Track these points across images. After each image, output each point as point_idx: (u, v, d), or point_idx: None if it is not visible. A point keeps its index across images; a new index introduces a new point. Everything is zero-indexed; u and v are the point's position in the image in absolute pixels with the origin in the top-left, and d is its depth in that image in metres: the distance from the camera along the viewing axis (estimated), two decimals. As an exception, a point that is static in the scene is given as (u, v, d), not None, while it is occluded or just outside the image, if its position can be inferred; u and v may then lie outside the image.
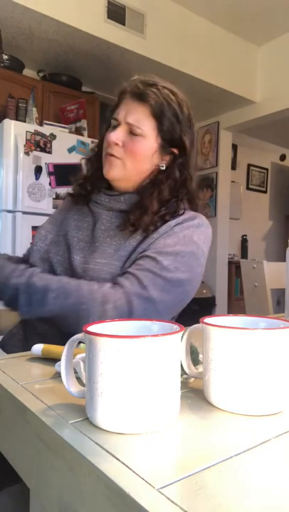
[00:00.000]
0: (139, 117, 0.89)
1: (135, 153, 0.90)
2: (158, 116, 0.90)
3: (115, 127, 0.91)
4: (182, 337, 0.52)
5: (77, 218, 0.98)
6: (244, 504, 0.30)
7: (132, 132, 0.90)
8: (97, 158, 0.98)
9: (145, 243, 0.86)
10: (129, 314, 0.77)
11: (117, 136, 0.90)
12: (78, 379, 0.49)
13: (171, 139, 0.93)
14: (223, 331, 0.47)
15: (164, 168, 0.94)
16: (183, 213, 0.90)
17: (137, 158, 0.91)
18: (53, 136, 2.83)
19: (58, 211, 1.07)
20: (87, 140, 3.03)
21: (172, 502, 0.30)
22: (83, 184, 1.00)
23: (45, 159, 2.77)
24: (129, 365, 0.40)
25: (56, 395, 0.51)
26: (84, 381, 0.46)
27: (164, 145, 0.92)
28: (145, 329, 0.51)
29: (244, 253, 5.27)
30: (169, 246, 0.84)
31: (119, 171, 0.91)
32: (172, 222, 0.88)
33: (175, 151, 0.94)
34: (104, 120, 1.02)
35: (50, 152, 2.80)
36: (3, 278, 0.84)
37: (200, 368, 0.55)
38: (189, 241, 0.85)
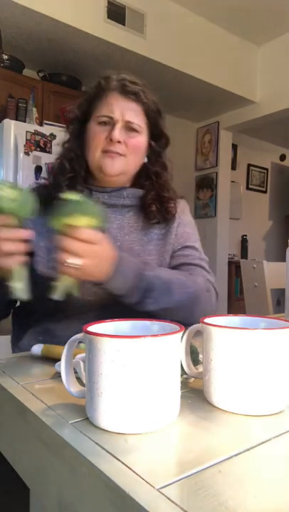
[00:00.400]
0: (135, 115, 0.93)
1: (136, 149, 0.95)
2: (148, 113, 0.96)
3: (106, 124, 0.92)
4: (182, 337, 0.52)
5: None
6: (244, 504, 0.30)
7: (129, 129, 0.93)
8: (80, 155, 0.96)
9: (170, 235, 0.98)
10: (215, 298, 0.95)
11: (120, 134, 0.91)
12: (78, 379, 0.49)
13: (155, 133, 1.00)
14: (223, 331, 0.47)
15: (147, 160, 1.01)
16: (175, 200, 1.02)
17: (137, 153, 0.96)
18: (53, 136, 2.84)
19: None
20: (87, 140, 3.03)
21: (172, 502, 0.30)
22: (73, 185, 0.95)
23: (45, 159, 2.77)
24: (129, 365, 0.40)
25: (56, 395, 0.51)
26: (84, 381, 0.46)
27: (148, 139, 0.99)
28: (145, 329, 0.51)
29: (244, 253, 5.27)
30: (192, 234, 1.04)
31: (123, 166, 0.93)
32: (174, 210, 1.00)
33: (153, 143, 1.00)
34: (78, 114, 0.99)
35: (50, 152, 2.80)
36: (137, 270, 0.80)
37: (200, 368, 0.55)
38: (193, 225, 1.09)
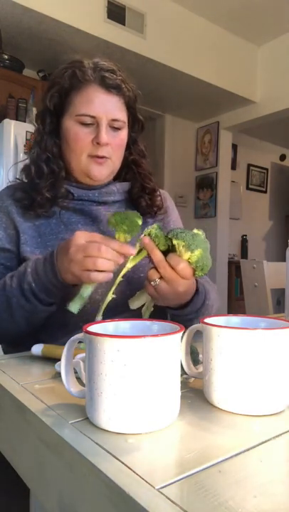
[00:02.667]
0: (119, 111, 0.87)
1: (121, 147, 0.91)
2: (129, 104, 0.91)
3: (88, 124, 0.85)
4: (182, 337, 0.52)
5: (58, 226, 0.90)
6: (244, 504, 0.30)
7: (112, 127, 0.87)
8: (56, 155, 0.90)
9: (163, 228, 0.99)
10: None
11: (107, 136, 0.86)
12: (78, 379, 0.49)
13: (134, 122, 0.95)
14: (223, 331, 0.47)
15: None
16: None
17: (121, 150, 0.92)
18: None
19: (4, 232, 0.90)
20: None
21: (172, 502, 0.30)
22: (55, 188, 0.88)
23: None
24: (129, 365, 0.40)
25: (56, 395, 0.51)
26: (84, 381, 0.46)
27: (129, 130, 0.94)
28: (145, 329, 0.51)
29: (244, 253, 5.27)
30: (178, 219, 1.06)
31: (110, 169, 0.90)
32: (161, 203, 1.00)
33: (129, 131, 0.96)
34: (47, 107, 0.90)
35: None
36: (203, 299, 0.80)
37: (200, 368, 0.55)
38: (178, 214, 1.08)
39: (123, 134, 0.90)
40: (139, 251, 0.69)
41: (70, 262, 0.67)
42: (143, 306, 0.73)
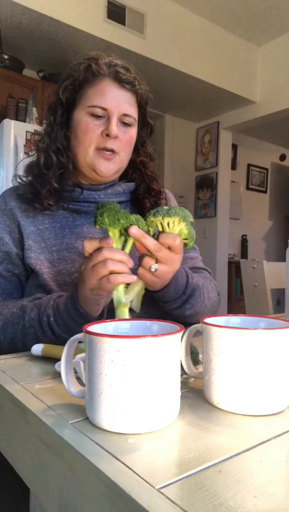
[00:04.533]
0: (130, 107, 0.87)
1: (129, 144, 0.89)
2: (141, 103, 0.91)
3: (99, 116, 0.84)
4: (182, 337, 0.52)
5: (62, 230, 0.88)
6: (244, 504, 0.30)
7: (123, 123, 0.87)
8: (66, 147, 0.88)
9: None
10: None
11: (118, 130, 0.85)
12: (78, 379, 0.49)
13: (142, 122, 0.95)
14: (223, 331, 0.47)
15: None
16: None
17: (130, 148, 0.90)
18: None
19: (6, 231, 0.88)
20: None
21: (172, 502, 0.30)
22: (62, 181, 0.88)
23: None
24: (129, 365, 0.40)
25: (56, 395, 0.51)
26: (84, 381, 0.46)
27: (138, 130, 0.93)
28: (145, 329, 0.51)
29: (244, 253, 5.28)
30: None
31: (118, 166, 0.89)
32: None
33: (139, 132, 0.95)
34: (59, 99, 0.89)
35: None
36: (186, 278, 0.79)
37: (200, 368, 0.55)
38: None
39: (133, 132, 0.89)
40: (124, 242, 0.66)
41: (84, 280, 0.65)
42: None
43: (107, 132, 0.83)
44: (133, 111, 0.88)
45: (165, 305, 0.80)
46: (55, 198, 0.86)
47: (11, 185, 0.97)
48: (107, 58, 0.87)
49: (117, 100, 0.84)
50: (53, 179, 0.86)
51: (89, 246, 0.64)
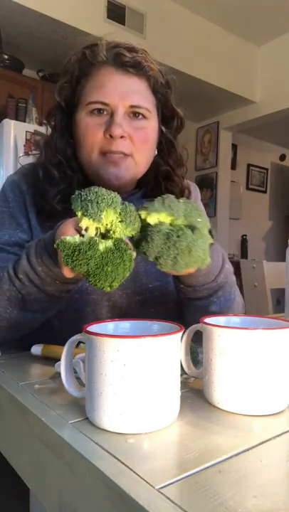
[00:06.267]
0: (140, 95, 0.71)
1: (146, 143, 0.72)
2: (156, 88, 0.74)
3: (101, 113, 0.70)
4: (182, 337, 0.52)
5: None
6: (244, 504, 0.30)
7: (133, 116, 0.71)
8: (71, 157, 0.75)
9: None
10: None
11: (123, 126, 0.69)
12: (78, 379, 0.49)
13: (165, 114, 0.77)
14: (223, 331, 0.47)
15: (156, 153, 0.78)
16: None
17: (147, 148, 0.73)
18: (53, 136, 2.83)
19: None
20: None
21: (172, 502, 0.30)
22: (66, 200, 0.71)
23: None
24: (129, 365, 0.40)
25: (56, 395, 0.51)
26: (84, 381, 0.46)
27: (158, 124, 0.76)
28: (145, 329, 0.51)
29: (244, 253, 5.27)
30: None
31: (130, 172, 0.72)
32: None
33: (163, 128, 0.78)
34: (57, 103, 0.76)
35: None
36: (219, 262, 0.65)
37: (200, 368, 0.55)
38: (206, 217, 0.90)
39: (149, 126, 0.72)
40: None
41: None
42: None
43: (109, 133, 0.69)
44: (144, 99, 0.71)
45: (188, 291, 0.67)
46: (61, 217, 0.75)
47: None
48: (106, 40, 0.74)
49: (120, 91, 0.69)
50: (55, 199, 0.73)
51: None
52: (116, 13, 3.04)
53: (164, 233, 0.51)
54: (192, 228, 0.53)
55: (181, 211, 0.53)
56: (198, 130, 4.66)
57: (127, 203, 0.52)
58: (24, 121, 2.90)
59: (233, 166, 5.02)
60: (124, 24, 3.08)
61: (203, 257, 0.53)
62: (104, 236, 0.51)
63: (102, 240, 0.49)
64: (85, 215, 0.49)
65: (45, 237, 0.60)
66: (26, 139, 2.71)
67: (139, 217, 0.53)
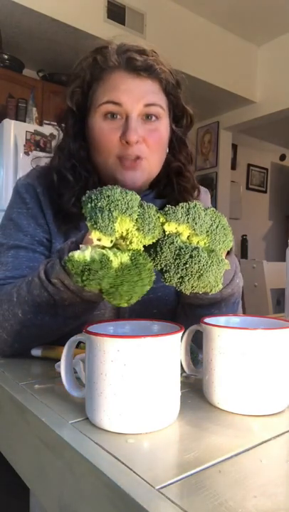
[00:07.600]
0: (152, 94, 0.72)
1: (159, 145, 0.74)
2: (167, 90, 0.75)
3: (114, 117, 0.71)
4: (182, 337, 0.52)
5: None
6: (244, 504, 0.30)
7: (146, 118, 0.72)
8: (85, 159, 0.76)
9: None
10: None
11: (137, 132, 0.69)
12: (78, 379, 0.49)
13: (176, 113, 0.79)
14: (223, 331, 0.47)
15: (167, 150, 0.79)
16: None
17: (160, 149, 0.75)
18: (53, 136, 2.83)
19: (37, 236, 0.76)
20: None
21: (172, 502, 0.30)
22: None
23: (45, 159, 2.77)
24: (129, 365, 0.40)
25: (56, 395, 0.51)
26: (84, 381, 0.46)
27: (170, 122, 0.77)
28: (145, 329, 0.51)
29: (244, 253, 5.27)
30: None
31: (145, 174, 0.74)
32: None
33: (174, 127, 0.79)
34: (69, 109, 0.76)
35: (50, 152, 2.80)
36: (230, 275, 0.63)
37: (200, 368, 0.55)
38: None
39: (162, 126, 0.74)
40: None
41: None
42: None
43: (126, 139, 0.69)
44: (158, 98, 0.73)
45: (189, 296, 0.65)
46: (76, 219, 0.75)
47: (11, 185, 0.94)
48: (117, 44, 0.74)
49: (133, 93, 0.70)
50: (70, 203, 0.74)
51: None
52: (116, 13, 3.04)
53: (177, 247, 0.47)
54: (210, 250, 0.48)
55: (205, 227, 0.49)
56: (198, 130, 4.66)
57: (146, 204, 0.48)
58: (24, 121, 2.90)
59: (233, 166, 5.02)
60: (124, 24, 3.08)
61: (213, 284, 0.49)
62: (121, 243, 0.46)
63: (118, 253, 0.44)
64: (95, 228, 0.44)
65: (78, 238, 0.59)
66: (26, 139, 2.71)
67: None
